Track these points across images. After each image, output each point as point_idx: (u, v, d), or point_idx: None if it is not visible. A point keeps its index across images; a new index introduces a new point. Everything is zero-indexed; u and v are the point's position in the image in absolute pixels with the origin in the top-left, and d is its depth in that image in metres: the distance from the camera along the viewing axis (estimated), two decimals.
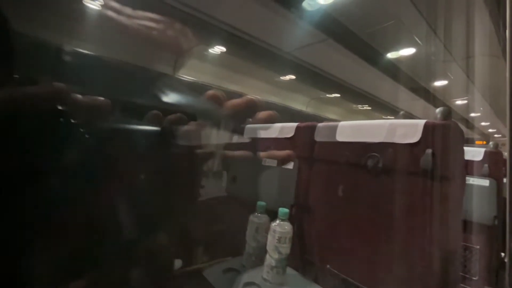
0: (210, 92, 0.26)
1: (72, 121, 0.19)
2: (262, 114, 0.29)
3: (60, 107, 0.19)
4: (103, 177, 0.21)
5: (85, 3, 0.53)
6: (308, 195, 0.65)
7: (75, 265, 0.22)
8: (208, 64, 2.63)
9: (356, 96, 4.14)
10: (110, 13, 0.27)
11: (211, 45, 2.42)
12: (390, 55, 2.78)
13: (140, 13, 0.27)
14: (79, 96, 0.20)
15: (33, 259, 0.19)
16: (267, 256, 0.56)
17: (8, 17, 0.18)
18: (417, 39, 2.40)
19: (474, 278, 0.83)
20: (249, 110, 0.28)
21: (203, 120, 0.26)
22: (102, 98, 0.21)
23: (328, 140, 0.62)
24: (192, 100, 0.29)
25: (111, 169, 0.22)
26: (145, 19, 0.28)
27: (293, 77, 3.44)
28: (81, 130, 0.20)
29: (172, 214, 0.28)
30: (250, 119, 0.29)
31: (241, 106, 0.27)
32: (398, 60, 2.85)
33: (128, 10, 0.27)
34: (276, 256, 0.55)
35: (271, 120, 0.31)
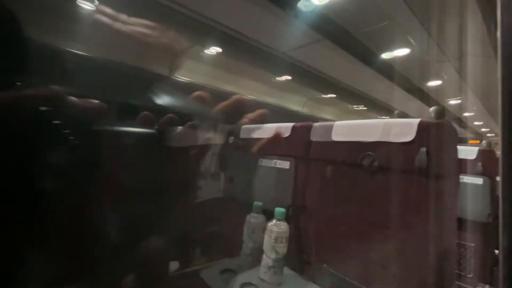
0: (196, 93, 0.26)
1: (66, 123, 0.19)
2: (251, 115, 0.29)
3: (55, 110, 0.19)
4: (96, 180, 0.21)
5: (78, 4, 0.53)
6: (304, 194, 0.65)
7: (69, 270, 0.21)
8: (204, 65, 2.63)
9: (351, 96, 4.16)
10: (105, 19, 0.27)
11: (206, 46, 2.42)
12: (385, 55, 2.81)
13: (134, 19, 0.27)
14: (75, 99, 0.20)
15: (26, 264, 0.19)
16: (264, 256, 0.56)
17: (22, 22, 0.17)
18: (411, 39, 2.43)
19: (469, 276, 0.84)
20: (238, 111, 0.28)
21: (195, 121, 0.26)
22: (97, 101, 0.21)
23: (324, 139, 0.62)
24: (182, 101, 0.29)
25: (104, 172, 0.22)
26: (139, 26, 0.28)
27: (289, 77, 3.45)
28: (75, 132, 0.20)
29: (166, 216, 0.28)
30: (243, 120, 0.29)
31: (229, 107, 0.27)
32: (393, 60, 2.88)
33: (123, 16, 0.27)
34: (273, 256, 0.55)
35: (262, 120, 0.30)
